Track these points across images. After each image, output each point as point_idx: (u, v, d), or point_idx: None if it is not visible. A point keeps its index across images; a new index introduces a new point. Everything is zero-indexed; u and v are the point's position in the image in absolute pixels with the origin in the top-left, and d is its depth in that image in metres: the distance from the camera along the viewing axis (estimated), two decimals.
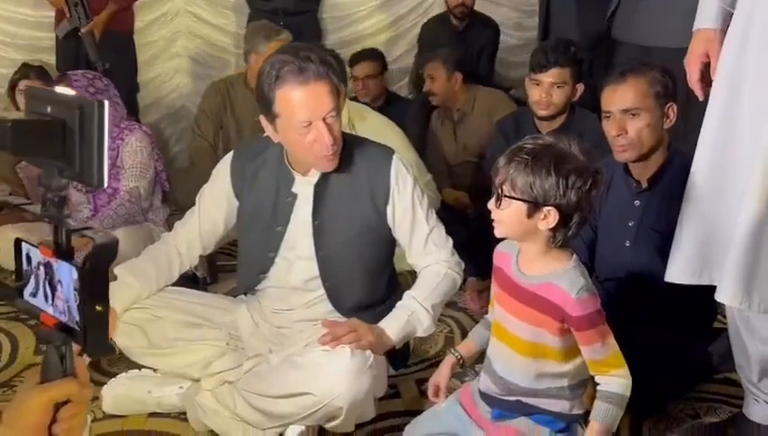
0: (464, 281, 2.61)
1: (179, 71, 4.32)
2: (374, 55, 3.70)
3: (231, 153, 1.90)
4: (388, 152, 1.80)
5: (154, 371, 1.87)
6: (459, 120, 3.18)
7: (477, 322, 2.29)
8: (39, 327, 0.82)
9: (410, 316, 1.71)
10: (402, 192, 1.77)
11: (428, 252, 1.81)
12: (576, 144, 1.38)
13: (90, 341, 0.77)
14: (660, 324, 1.96)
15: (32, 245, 0.81)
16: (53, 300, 0.80)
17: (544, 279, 1.40)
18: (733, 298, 1.46)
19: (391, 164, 1.76)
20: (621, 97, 1.94)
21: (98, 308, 0.77)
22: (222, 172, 1.88)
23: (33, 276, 0.83)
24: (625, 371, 1.39)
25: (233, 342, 1.86)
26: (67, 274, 0.76)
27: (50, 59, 3.71)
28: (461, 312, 2.51)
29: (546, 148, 1.37)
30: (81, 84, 2.57)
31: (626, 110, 1.93)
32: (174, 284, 2.01)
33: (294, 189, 1.78)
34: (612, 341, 1.39)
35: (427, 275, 1.79)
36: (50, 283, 0.80)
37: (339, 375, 1.55)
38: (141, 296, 1.82)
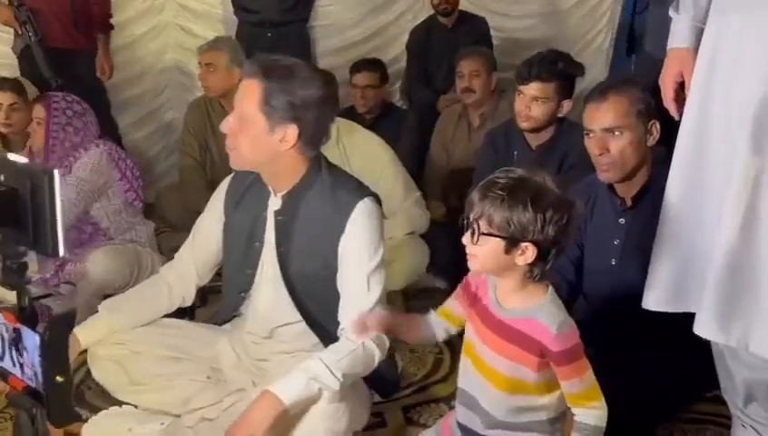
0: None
1: (169, 85, 4.30)
2: (375, 66, 3.62)
3: (226, 180, 1.88)
4: (360, 196, 1.69)
5: (135, 407, 1.86)
6: (479, 126, 3.15)
7: None
8: (9, 391, 0.82)
9: (312, 379, 1.52)
10: (351, 239, 1.67)
11: (354, 315, 1.62)
12: (550, 178, 1.37)
13: (53, 411, 0.78)
14: (647, 342, 1.93)
15: None
16: (20, 364, 0.81)
17: (523, 313, 1.38)
18: (711, 332, 1.43)
19: (354, 208, 1.67)
20: (602, 116, 1.92)
21: (59, 378, 0.77)
22: (218, 195, 1.86)
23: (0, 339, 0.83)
24: (601, 402, 1.38)
25: (215, 376, 1.84)
26: (32, 341, 0.77)
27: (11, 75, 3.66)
28: None
29: (521, 183, 1.35)
30: (59, 107, 2.58)
31: (608, 129, 1.91)
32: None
33: (269, 203, 1.76)
34: (590, 373, 1.38)
35: (343, 341, 1.64)
36: (16, 348, 0.80)
37: (315, 418, 1.54)
38: (113, 329, 1.81)
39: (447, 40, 3.89)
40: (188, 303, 1.94)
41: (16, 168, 0.76)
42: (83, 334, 1.79)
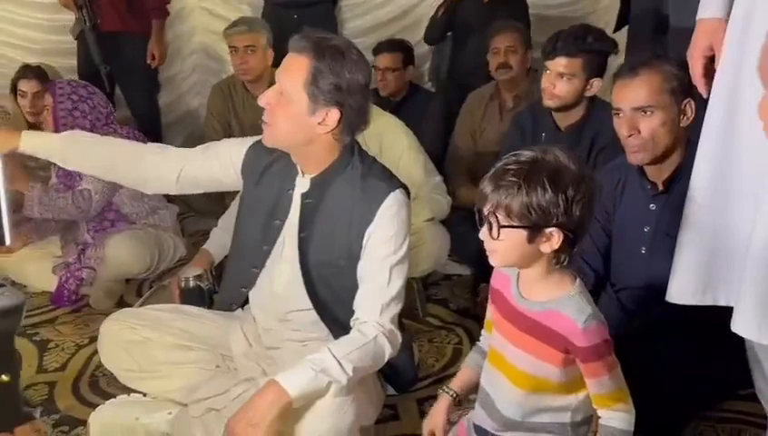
0: (476, 287, 2.54)
1: (196, 68, 4.28)
2: (397, 47, 3.47)
3: (251, 139, 1.79)
4: (391, 187, 1.64)
5: (144, 395, 1.83)
6: (513, 107, 3.01)
7: None
8: None
9: (320, 372, 1.47)
10: (378, 229, 1.62)
11: (370, 307, 1.62)
12: (563, 153, 1.26)
13: None
14: (677, 335, 1.82)
15: None
16: None
17: (547, 306, 1.28)
18: (750, 330, 1.33)
19: (385, 199, 1.62)
20: (632, 94, 1.79)
21: (3, 377, 0.71)
22: (237, 151, 1.77)
23: None
24: (629, 405, 1.29)
25: (225, 364, 1.80)
26: None
27: (67, 62, 3.72)
28: (472, 320, 2.38)
29: (534, 164, 1.25)
30: (64, 92, 2.59)
31: (638, 108, 1.79)
32: (184, 298, 1.98)
33: (297, 182, 1.71)
34: (618, 372, 1.28)
35: (355, 332, 1.60)
36: None
37: (320, 413, 1.48)
38: (60, 154, 1.75)
39: (481, 17, 3.73)
40: (144, 189, 1.86)
41: None
42: (28, 137, 1.70)
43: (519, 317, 1.32)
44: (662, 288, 1.87)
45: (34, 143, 1.71)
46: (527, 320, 1.31)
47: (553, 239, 1.23)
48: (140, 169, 1.77)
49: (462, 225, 2.55)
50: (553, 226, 1.22)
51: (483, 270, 2.59)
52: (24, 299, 0.69)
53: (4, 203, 0.69)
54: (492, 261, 1.32)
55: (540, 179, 1.22)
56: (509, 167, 1.26)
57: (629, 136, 1.81)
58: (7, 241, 0.68)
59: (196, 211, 3.40)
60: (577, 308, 1.26)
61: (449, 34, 3.95)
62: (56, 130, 2.53)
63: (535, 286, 1.31)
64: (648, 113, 1.78)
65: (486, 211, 1.27)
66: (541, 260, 1.27)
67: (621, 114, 1.83)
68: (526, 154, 1.28)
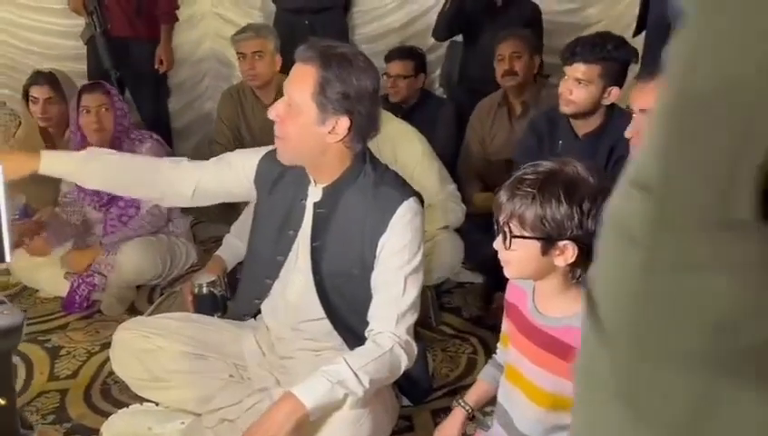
0: (489, 295, 2.52)
1: (207, 74, 4.28)
2: (408, 55, 3.43)
3: (264, 149, 1.78)
4: (405, 195, 1.62)
5: (156, 404, 1.82)
6: (522, 113, 2.99)
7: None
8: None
9: (337, 384, 1.46)
10: (392, 239, 1.60)
11: (385, 317, 1.60)
12: (583, 166, 1.24)
13: None
14: None
15: None
16: None
17: (565, 321, 1.26)
18: None
19: (398, 208, 1.60)
20: (646, 96, 1.76)
21: (0, 401, 0.68)
22: (250, 161, 1.77)
23: None
24: None
25: (239, 373, 1.79)
26: None
27: (77, 67, 3.72)
28: (486, 329, 2.35)
29: (551, 176, 1.23)
30: (114, 93, 2.64)
31: (647, 111, 1.77)
32: (197, 304, 1.97)
33: (309, 192, 1.70)
34: None
35: (370, 343, 1.58)
36: None
37: (337, 425, 1.47)
38: (79, 174, 1.74)
39: (493, 20, 3.70)
40: (160, 203, 1.86)
41: None
42: (47, 158, 1.67)
43: (536, 332, 1.30)
44: None
45: (53, 164, 1.69)
46: (544, 335, 1.28)
47: (567, 252, 1.21)
48: (157, 185, 1.76)
49: (475, 233, 2.53)
50: (567, 239, 1.20)
51: (496, 278, 2.58)
52: (24, 318, 0.66)
53: (4, 214, 0.66)
54: (506, 272, 1.30)
55: (555, 191, 1.20)
56: (526, 176, 1.24)
57: (638, 139, 1.79)
58: (7, 258, 0.65)
59: (207, 217, 3.39)
60: None
61: (461, 39, 3.94)
62: (115, 126, 2.62)
63: (551, 301, 1.29)
64: None
65: (501, 220, 1.26)
66: (556, 273, 1.25)
67: (634, 116, 1.81)
68: (545, 165, 1.26)
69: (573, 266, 1.23)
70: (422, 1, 4.13)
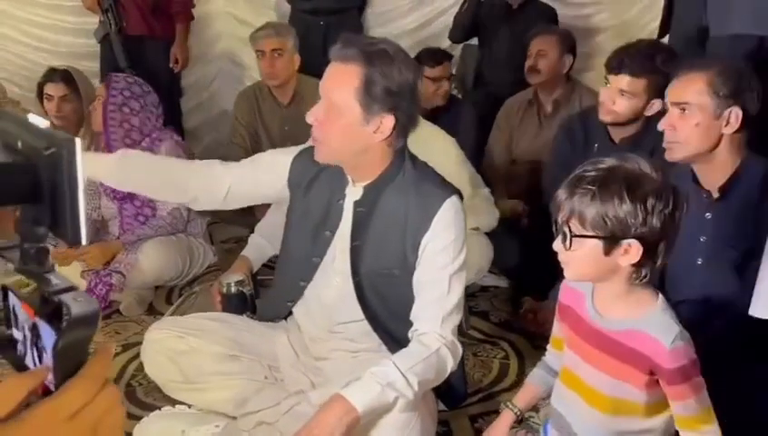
0: (517, 299, 2.49)
1: (219, 74, 4.24)
2: (443, 56, 3.22)
3: (296, 149, 1.75)
4: (447, 192, 1.59)
5: (189, 406, 1.77)
6: (552, 112, 2.95)
7: (534, 347, 2.16)
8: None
9: (387, 386, 1.41)
10: (436, 237, 1.56)
11: (430, 318, 1.55)
12: (646, 162, 1.21)
13: None
14: (746, 352, 1.75)
15: (18, 297, 0.68)
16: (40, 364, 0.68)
17: (629, 324, 1.23)
18: None
19: (441, 206, 1.56)
20: (673, 89, 1.76)
21: None
22: (283, 162, 1.72)
23: (21, 335, 0.70)
24: (715, 426, 1.23)
25: (272, 375, 1.75)
26: (49, 339, 0.63)
27: (92, 65, 3.69)
28: (517, 333, 2.32)
29: (612, 172, 1.20)
30: (118, 87, 2.59)
31: (676, 103, 1.74)
32: (225, 304, 1.92)
33: (347, 192, 1.66)
34: (705, 393, 1.22)
35: (416, 344, 1.53)
36: (36, 346, 0.68)
37: (388, 429, 1.43)
38: (117, 175, 1.69)
39: (509, 20, 3.66)
40: (192, 206, 1.82)
41: (35, 132, 0.61)
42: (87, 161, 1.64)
43: (595, 335, 1.27)
44: (721, 301, 1.82)
45: (87, 168, 1.64)
46: (605, 339, 1.25)
47: (631, 252, 1.18)
48: (190, 188, 1.71)
49: (502, 237, 2.50)
50: (631, 238, 1.17)
51: (523, 282, 2.55)
52: (99, 307, 0.62)
53: (80, 192, 0.61)
54: (566, 274, 1.27)
55: (617, 187, 1.17)
56: (587, 173, 1.21)
57: (663, 131, 1.77)
58: (83, 240, 0.61)
59: (222, 219, 3.35)
60: (663, 327, 1.20)
61: (475, 42, 3.91)
62: (104, 123, 2.54)
63: (613, 303, 1.25)
64: (686, 111, 1.74)
65: (560, 220, 1.22)
66: (619, 274, 1.22)
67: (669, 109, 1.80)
68: (606, 161, 1.23)
69: (637, 266, 1.20)
70: (437, 3, 4.12)
